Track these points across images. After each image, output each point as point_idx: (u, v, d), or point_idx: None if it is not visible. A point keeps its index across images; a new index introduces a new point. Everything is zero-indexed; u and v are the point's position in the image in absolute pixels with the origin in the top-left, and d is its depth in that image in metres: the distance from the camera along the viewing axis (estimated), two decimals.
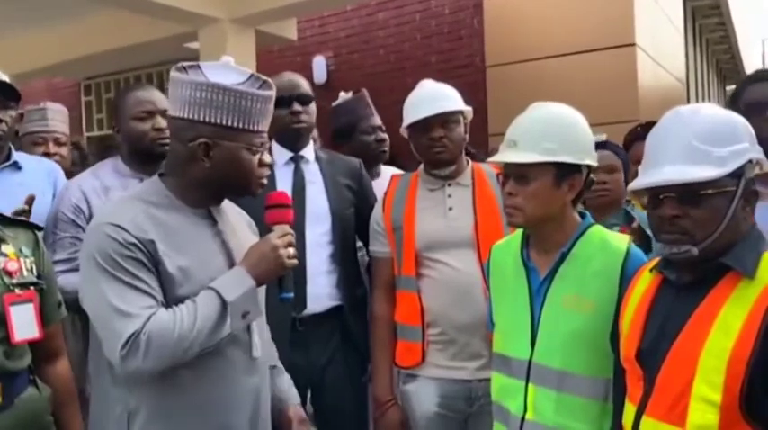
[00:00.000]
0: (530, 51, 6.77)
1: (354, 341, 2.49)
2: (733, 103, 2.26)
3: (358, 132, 2.95)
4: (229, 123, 1.54)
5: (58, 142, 3.18)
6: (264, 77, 1.61)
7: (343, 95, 3.20)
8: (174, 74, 1.56)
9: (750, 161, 1.35)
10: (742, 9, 14.96)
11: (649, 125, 2.46)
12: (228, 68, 1.59)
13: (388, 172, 2.92)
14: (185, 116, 1.54)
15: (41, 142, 3.11)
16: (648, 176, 1.39)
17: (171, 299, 1.52)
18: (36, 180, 2.56)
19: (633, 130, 3.23)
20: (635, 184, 1.42)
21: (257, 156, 1.61)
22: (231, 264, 1.61)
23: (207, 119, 1.53)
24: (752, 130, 1.39)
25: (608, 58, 6.44)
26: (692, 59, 11.90)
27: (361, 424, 2.57)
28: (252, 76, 1.59)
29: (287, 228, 1.66)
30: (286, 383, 1.90)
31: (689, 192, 1.32)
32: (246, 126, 1.56)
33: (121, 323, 1.45)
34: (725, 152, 1.32)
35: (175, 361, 1.49)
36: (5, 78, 2.40)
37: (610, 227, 2.03)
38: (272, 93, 1.60)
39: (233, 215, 1.76)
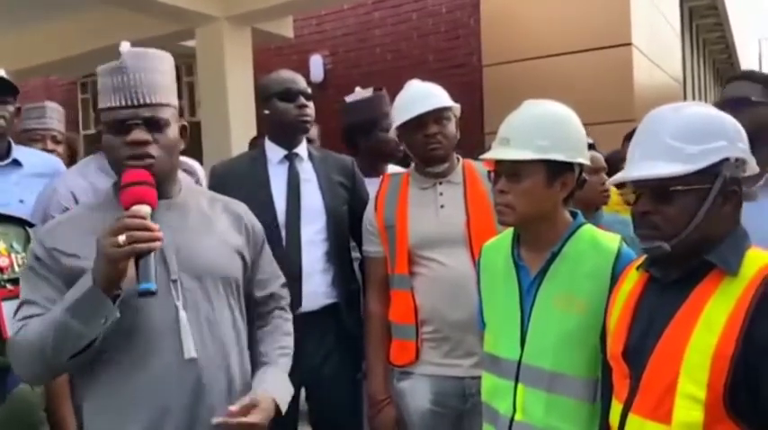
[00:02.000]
0: (526, 51, 6.78)
1: (349, 339, 2.49)
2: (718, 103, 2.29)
3: (378, 129, 2.93)
4: (100, 106, 1.54)
5: (54, 140, 3.25)
6: (123, 49, 1.56)
7: (360, 91, 3.16)
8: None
9: (728, 160, 1.34)
10: (739, 9, 14.99)
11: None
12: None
13: (394, 170, 2.91)
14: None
15: (39, 139, 3.17)
16: (623, 173, 1.41)
17: None
18: (35, 178, 2.55)
19: (631, 132, 3.25)
20: (612, 179, 1.47)
21: (121, 137, 1.52)
22: (163, 261, 1.54)
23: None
24: (741, 131, 1.38)
25: (604, 58, 6.46)
26: (688, 59, 11.91)
27: (355, 422, 2.57)
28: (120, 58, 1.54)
29: (142, 208, 1.44)
30: (262, 373, 1.77)
31: (659, 189, 1.33)
32: (104, 104, 1.54)
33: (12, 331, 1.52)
34: (696, 150, 1.32)
35: (47, 367, 1.50)
36: (2, 73, 2.40)
37: None
38: (113, 64, 1.53)
39: (194, 210, 1.68)
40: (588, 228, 1.75)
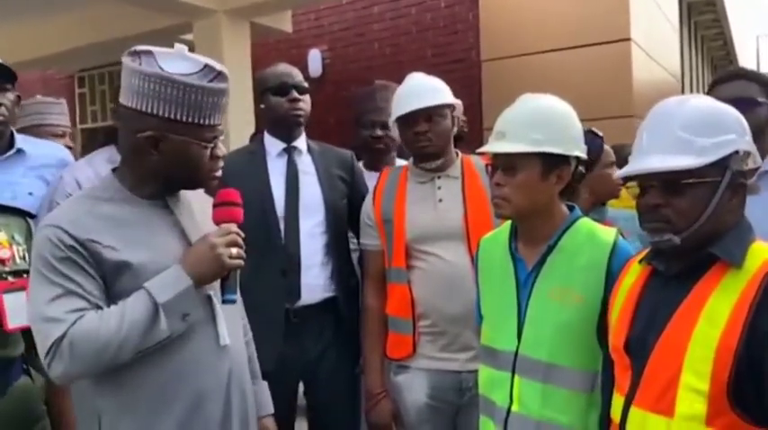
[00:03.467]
0: (525, 46, 6.78)
1: (347, 333, 2.50)
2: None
3: (359, 125, 2.95)
4: (178, 117, 1.48)
5: (57, 135, 3.21)
6: (219, 68, 1.54)
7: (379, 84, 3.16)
8: (125, 60, 1.50)
9: (737, 152, 1.35)
10: (737, 6, 14.99)
11: None
12: (182, 57, 1.52)
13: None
14: (134, 107, 1.48)
15: (61, 134, 3.16)
16: (632, 166, 1.40)
17: (125, 293, 1.48)
18: (42, 169, 2.53)
19: None
20: (619, 173, 1.45)
21: (208, 150, 1.56)
22: None
23: (155, 111, 1.47)
24: (745, 124, 1.39)
25: (603, 53, 6.45)
26: (686, 55, 11.92)
27: (353, 416, 2.58)
28: (206, 66, 1.52)
29: (233, 226, 1.58)
30: (263, 392, 1.88)
31: (671, 182, 1.33)
32: (196, 120, 1.50)
33: (47, 328, 1.42)
34: (708, 142, 1.32)
35: (107, 364, 1.45)
36: None
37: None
38: (225, 86, 1.54)
39: (198, 204, 1.72)
40: (585, 222, 1.76)
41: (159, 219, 1.59)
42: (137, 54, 1.50)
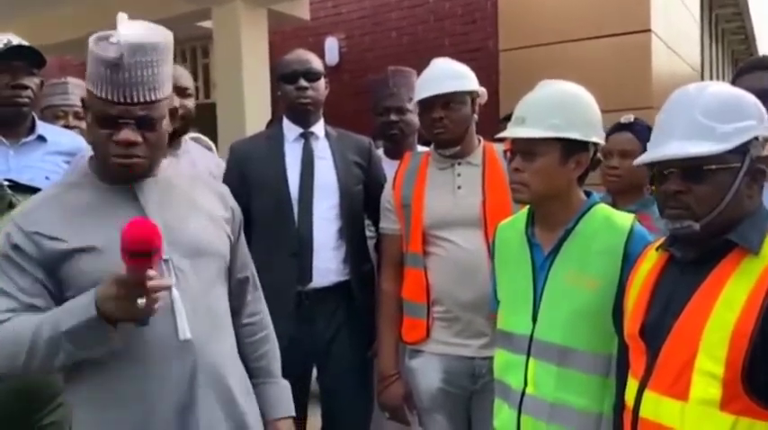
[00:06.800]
0: (543, 36, 6.72)
1: (359, 317, 2.51)
2: None
3: (374, 112, 2.96)
4: (89, 86, 1.42)
5: (77, 116, 3.24)
6: (122, 36, 1.37)
7: None
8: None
9: (757, 139, 1.34)
10: (759, 0, 14.79)
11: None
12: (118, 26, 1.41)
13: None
14: None
15: (62, 115, 3.17)
16: (652, 152, 1.39)
17: (83, 281, 1.41)
18: (60, 156, 2.56)
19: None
20: (639, 160, 1.44)
21: (109, 131, 1.42)
22: None
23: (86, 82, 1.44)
24: (762, 109, 1.38)
25: (622, 44, 6.39)
26: (707, 48, 11.79)
27: (365, 399, 2.60)
28: (114, 35, 1.39)
29: (147, 274, 1.29)
30: (278, 393, 1.79)
31: (692, 168, 1.33)
32: (94, 90, 1.41)
33: None
34: (729, 128, 1.31)
35: (23, 370, 1.40)
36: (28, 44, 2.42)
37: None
38: (115, 57, 1.37)
39: (182, 186, 1.62)
40: (601, 207, 1.76)
41: (120, 205, 1.49)
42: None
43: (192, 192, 1.64)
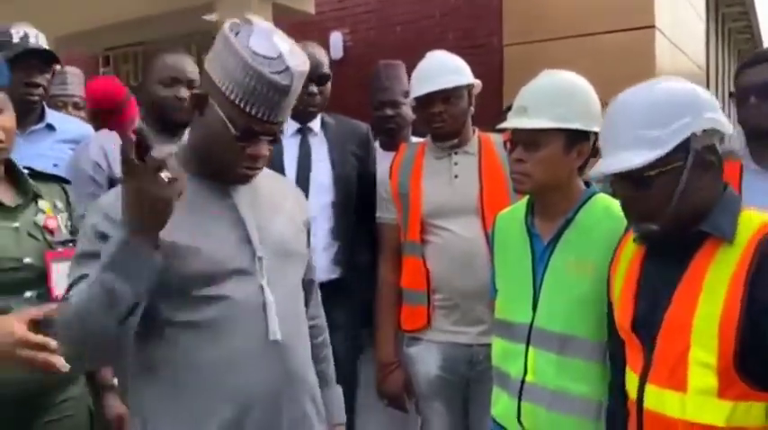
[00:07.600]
0: (548, 31, 6.72)
1: (351, 315, 2.51)
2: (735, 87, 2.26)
3: (372, 107, 2.97)
4: (224, 89, 1.38)
5: (76, 106, 3.28)
6: (292, 65, 1.39)
7: None
8: (224, 30, 1.42)
9: (695, 134, 1.33)
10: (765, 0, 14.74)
11: None
12: (267, 36, 1.41)
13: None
14: (207, 70, 1.43)
15: (61, 105, 3.21)
16: (598, 166, 1.42)
17: (170, 275, 1.35)
18: (68, 144, 2.59)
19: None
20: (586, 175, 1.50)
21: (242, 144, 1.41)
22: (246, 239, 1.47)
23: (211, 73, 1.41)
24: (703, 99, 1.37)
25: (626, 40, 6.38)
26: (712, 47, 11.76)
27: (349, 400, 2.55)
28: (280, 56, 1.38)
29: (144, 140, 1.22)
30: (335, 399, 1.77)
31: (635, 177, 1.34)
32: (238, 102, 1.38)
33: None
34: (661, 133, 1.32)
35: (110, 332, 1.29)
36: (45, 45, 2.46)
37: None
38: (286, 83, 1.38)
39: (266, 187, 1.60)
40: (601, 197, 1.77)
41: (216, 202, 1.48)
42: (237, 24, 1.42)
43: (274, 192, 1.62)
